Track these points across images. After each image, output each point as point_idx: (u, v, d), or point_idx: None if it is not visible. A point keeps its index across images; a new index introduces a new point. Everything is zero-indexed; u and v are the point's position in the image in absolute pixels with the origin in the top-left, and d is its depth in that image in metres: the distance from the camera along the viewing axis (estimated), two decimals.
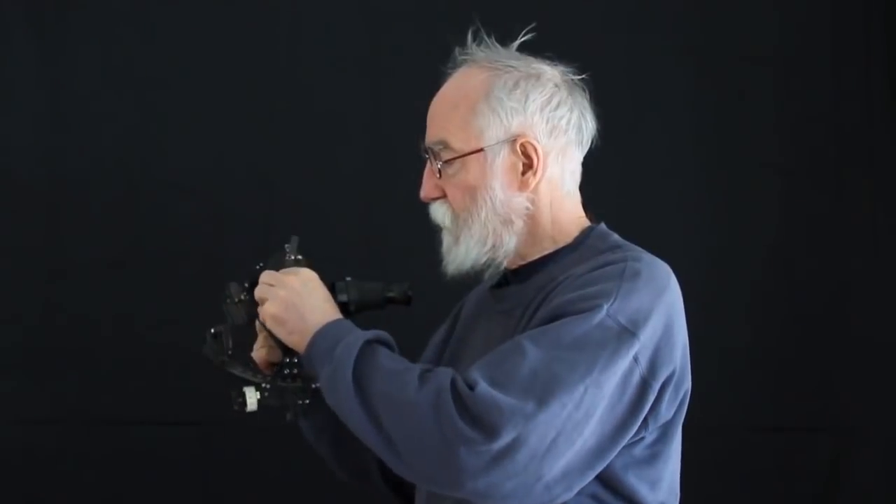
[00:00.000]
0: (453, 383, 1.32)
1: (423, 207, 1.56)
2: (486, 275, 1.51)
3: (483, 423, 1.29)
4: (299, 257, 1.60)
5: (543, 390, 1.30)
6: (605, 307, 1.34)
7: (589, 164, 1.56)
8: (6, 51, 2.59)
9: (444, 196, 1.50)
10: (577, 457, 1.33)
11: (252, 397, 1.56)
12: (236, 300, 1.59)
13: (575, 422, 1.31)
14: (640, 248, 1.47)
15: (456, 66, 1.52)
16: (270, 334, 1.60)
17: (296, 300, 1.49)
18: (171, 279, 2.57)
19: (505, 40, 1.52)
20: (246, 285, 1.59)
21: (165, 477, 2.56)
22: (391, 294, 1.63)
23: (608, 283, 1.36)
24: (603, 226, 1.53)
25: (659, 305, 1.37)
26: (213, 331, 1.60)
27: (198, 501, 2.58)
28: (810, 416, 2.56)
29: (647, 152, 2.57)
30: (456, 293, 1.68)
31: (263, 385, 1.57)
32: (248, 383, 1.58)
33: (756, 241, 2.59)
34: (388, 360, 1.40)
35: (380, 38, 2.60)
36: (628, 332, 1.34)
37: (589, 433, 1.33)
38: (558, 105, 1.48)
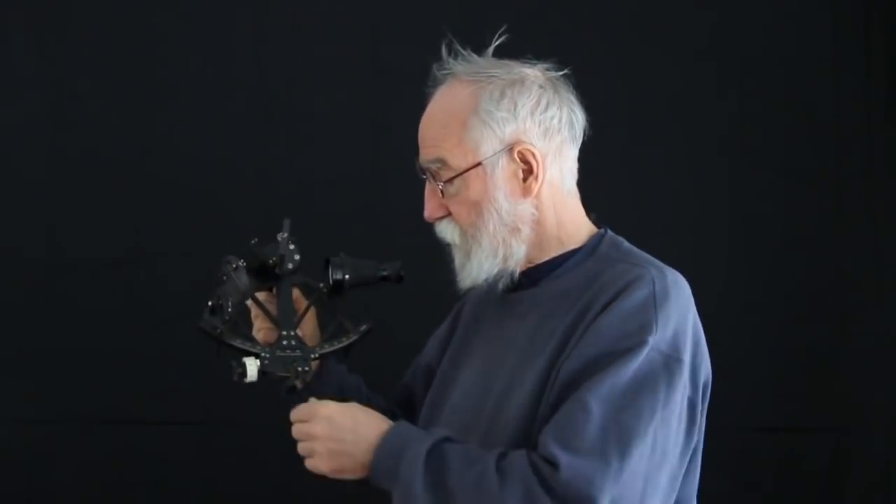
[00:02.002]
0: (536, 469, 1.31)
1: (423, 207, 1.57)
2: (500, 284, 1.49)
3: (578, 499, 1.29)
4: (290, 246, 1.61)
5: (620, 445, 1.30)
6: (650, 340, 1.34)
7: (588, 165, 1.56)
8: (6, 51, 2.59)
9: (448, 214, 1.49)
10: (661, 495, 1.36)
11: (252, 367, 1.56)
12: (227, 272, 1.60)
13: (656, 464, 1.33)
14: (653, 259, 1.46)
15: (437, 82, 1.50)
16: (266, 312, 1.63)
17: (334, 446, 1.44)
18: (171, 279, 2.57)
19: (513, 44, 1.52)
20: (241, 263, 1.61)
21: (165, 477, 2.56)
22: (385, 273, 1.64)
23: (643, 315, 1.36)
24: (611, 232, 1.53)
25: (688, 321, 1.39)
26: (209, 304, 1.60)
27: (198, 501, 2.58)
28: (810, 416, 2.56)
29: (646, 153, 2.57)
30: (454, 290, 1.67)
31: (263, 354, 1.57)
32: (244, 353, 1.57)
33: (756, 242, 2.59)
34: (457, 462, 1.36)
35: (381, 38, 2.60)
36: (674, 359, 1.35)
37: (667, 468, 1.36)
38: (547, 106, 1.46)
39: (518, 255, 1.47)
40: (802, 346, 2.57)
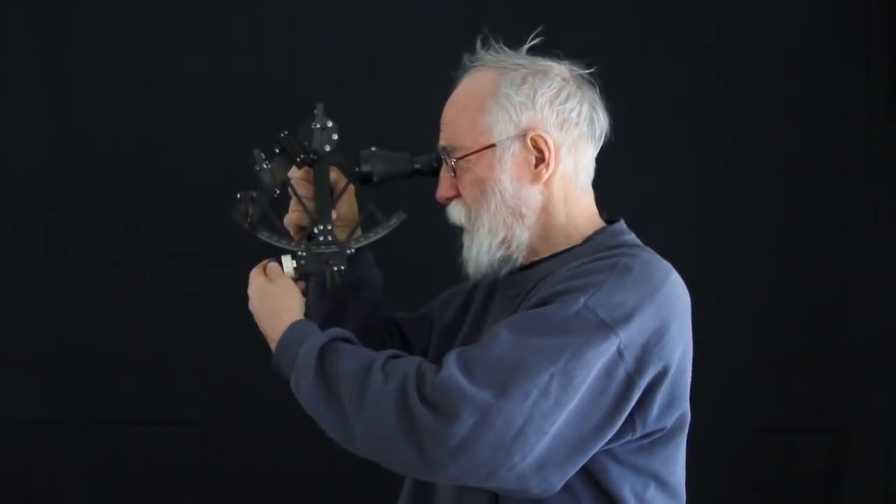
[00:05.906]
0: (420, 371, 1.34)
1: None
2: (503, 271, 1.50)
3: (443, 407, 1.29)
4: (328, 124, 1.62)
5: (507, 376, 1.30)
6: (583, 299, 1.33)
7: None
8: (6, 51, 2.59)
9: (458, 195, 1.51)
10: (553, 447, 1.32)
11: (289, 266, 1.57)
12: (260, 167, 1.60)
13: (543, 411, 1.30)
14: (646, 248, 1.47)
15: (465, 71, 1.53)
16: (299, 198, 1.63)
17: (256, 305, 1.54)
18: (172, 279, 2.57)
19: (514, 46, 1.53)
20: (276, 150, 1.63)
21: (165, 477, 2.56)
22: (417, 166, 1.62)
23: (595, 276, 1.36)
24: (620, 224, 1.53)
25: (649, 303, 1.36)
26: (239, 196, 1.60)
27: (197, 501, 2.58)
28: (810, 416, 2.56)
29: (646, 153, 2.57)
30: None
31: (299, 253, 1.58)
32: (280, 251, 1.58)
33: (756, 242, 2.59)
34: (347, 360, 1.39)
35: (381, 40, 2.60)
36: (605, 326, 1.32)
37: (564, 424, 1.32)
38: (567, 98, 1.49)
39: (521, 241, 1.48)
40: (802, 346, 2.57)
